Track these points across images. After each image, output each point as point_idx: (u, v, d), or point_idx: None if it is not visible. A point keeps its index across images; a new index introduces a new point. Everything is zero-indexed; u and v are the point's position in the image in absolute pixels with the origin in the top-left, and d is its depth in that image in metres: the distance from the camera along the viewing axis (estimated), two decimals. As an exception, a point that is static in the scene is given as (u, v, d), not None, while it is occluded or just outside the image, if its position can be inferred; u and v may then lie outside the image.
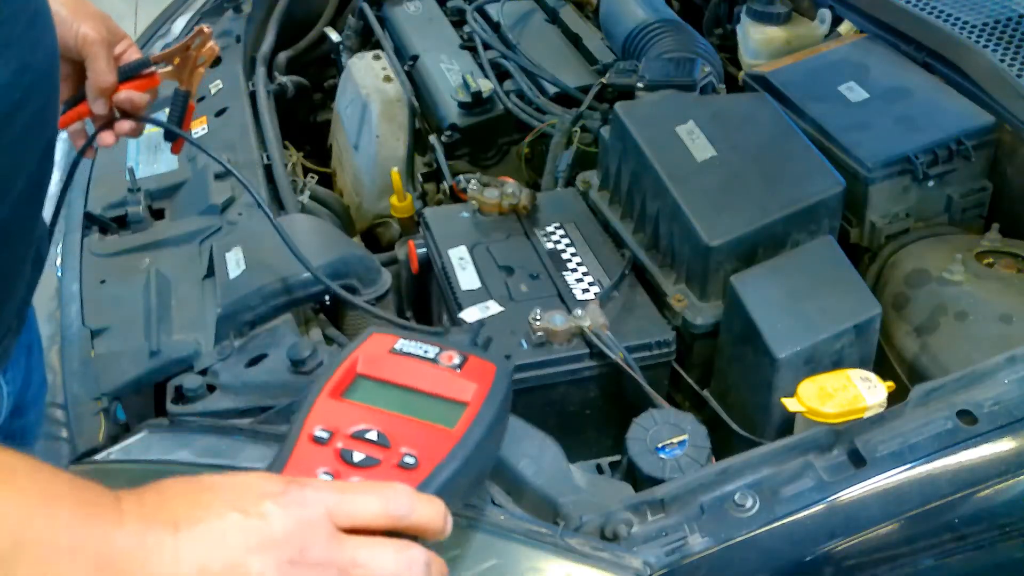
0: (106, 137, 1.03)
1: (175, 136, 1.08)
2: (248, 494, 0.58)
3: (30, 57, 0.70)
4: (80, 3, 0.97)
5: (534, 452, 0.87)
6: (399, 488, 0.62)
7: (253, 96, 1.59)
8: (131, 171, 1.33)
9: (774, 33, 1.58)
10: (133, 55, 1.02)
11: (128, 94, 1.01)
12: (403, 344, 0.76)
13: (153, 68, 1.03)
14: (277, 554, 0.56)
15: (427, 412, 0.71)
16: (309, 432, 0.68)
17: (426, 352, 0.75)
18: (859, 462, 0.83)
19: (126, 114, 1.03)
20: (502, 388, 0.74)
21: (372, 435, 0.68)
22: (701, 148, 1.19)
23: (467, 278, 1.16)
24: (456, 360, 0.74)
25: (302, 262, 1.05)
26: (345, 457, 0.66)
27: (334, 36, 1.89)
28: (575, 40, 1.74)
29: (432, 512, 0.62)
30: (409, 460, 0.66)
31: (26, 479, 0.53)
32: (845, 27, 1.52)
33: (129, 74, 1.01)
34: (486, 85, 1.54)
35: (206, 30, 1.07)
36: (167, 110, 1.07)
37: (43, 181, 0.80)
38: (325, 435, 0.68)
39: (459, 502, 0.71)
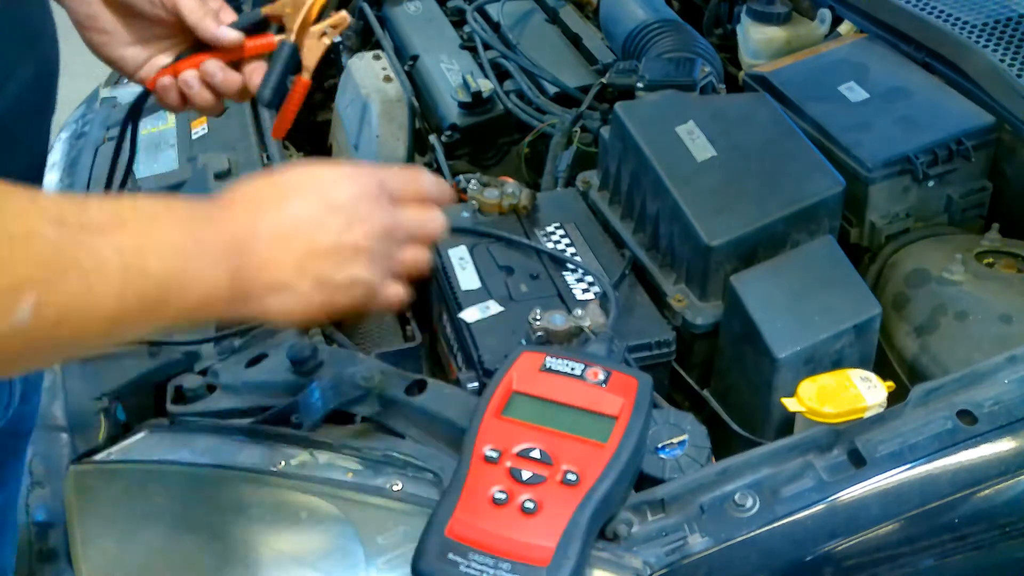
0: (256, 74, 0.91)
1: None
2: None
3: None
4: None
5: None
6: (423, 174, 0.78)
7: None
8: (131, 171, 1.32)
9: (774, 33, 1.58)
10: (227, 14, 0.91)
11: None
12: (551, 362, 0.83)
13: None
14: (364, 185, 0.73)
15: (580, 427, 0.78)
16: (480, 453, 0.76)
17: (573, 369, 0.82)
18: (859, 462, 0.83)
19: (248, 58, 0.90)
20: (645, 401, 0.80)
21: (536, 453, 0.76)
22: (701, 148, 1.19)
23: (467, 278, 1.16)
24: (601, 376, 0.81)
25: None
26: (515, 476, 0.75)
27: (334, 36, 1.88)
28: (575, 40, 1.74)
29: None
30: (571, 477, 0.74)
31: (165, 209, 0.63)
32: (845, 27, 1.52)
33: (248, 28, 0.90)
34: (486, 85, 1.54)
35: None
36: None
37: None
38: (495, 454, 0.76)
39: (615, 509, 0.79)
